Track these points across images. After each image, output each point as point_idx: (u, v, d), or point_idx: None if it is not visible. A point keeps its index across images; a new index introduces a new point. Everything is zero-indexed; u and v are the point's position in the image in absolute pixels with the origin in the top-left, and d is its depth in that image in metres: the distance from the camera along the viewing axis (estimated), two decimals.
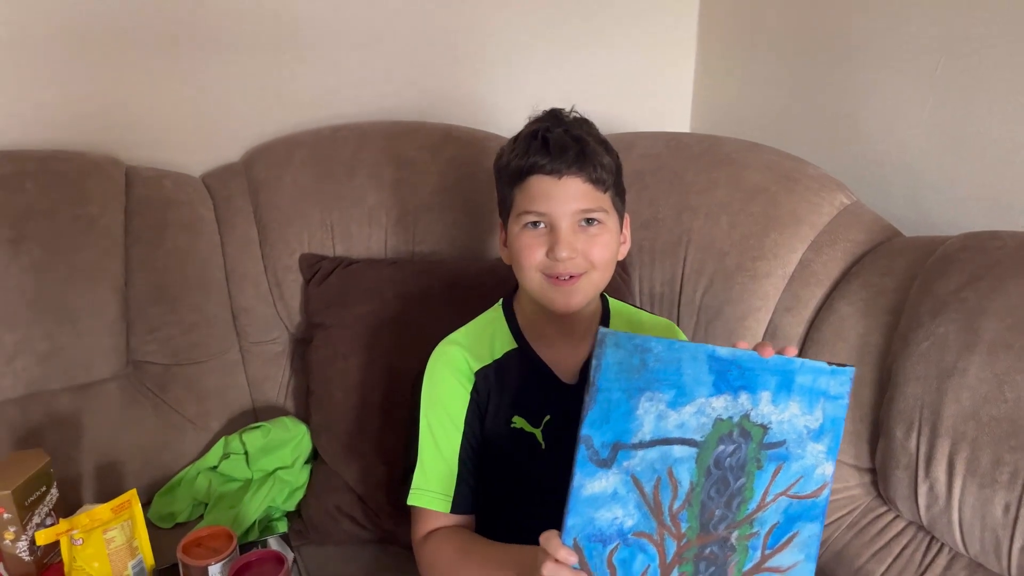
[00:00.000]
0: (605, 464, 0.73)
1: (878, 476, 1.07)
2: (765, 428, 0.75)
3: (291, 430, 1.32)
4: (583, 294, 0.95)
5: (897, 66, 1.35)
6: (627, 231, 1.03)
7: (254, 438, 1.29)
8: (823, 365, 0.75)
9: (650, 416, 0.73)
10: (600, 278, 0.96)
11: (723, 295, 1.21)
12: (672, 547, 0.75)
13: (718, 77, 1.80)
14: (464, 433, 1.00)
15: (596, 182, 0.93)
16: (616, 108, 1.84)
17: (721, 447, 0.74)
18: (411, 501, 0.99)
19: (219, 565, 0.97)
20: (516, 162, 0.94)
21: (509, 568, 0.86)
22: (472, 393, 0.99)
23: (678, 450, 0.74)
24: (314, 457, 1.34)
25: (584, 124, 0.97)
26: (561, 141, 0.92)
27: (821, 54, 1.50)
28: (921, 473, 0.99)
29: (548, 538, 0.74)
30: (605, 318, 1.04)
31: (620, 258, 1.01)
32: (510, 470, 1.01)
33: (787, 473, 0.76)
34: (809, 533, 0.77)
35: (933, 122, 1.30)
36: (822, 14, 1.49)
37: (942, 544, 1.02)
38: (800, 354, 1.14)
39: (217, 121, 1.50)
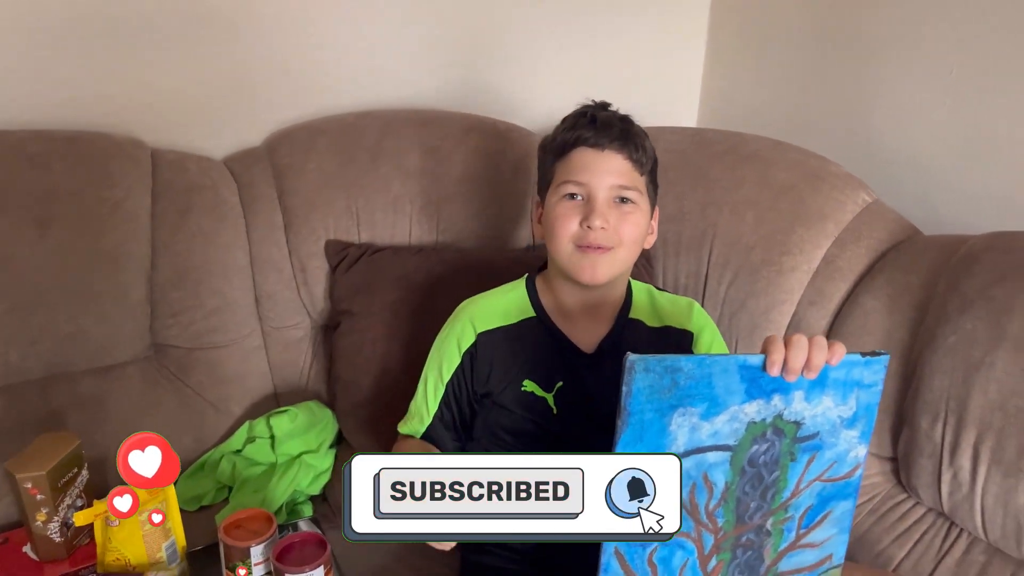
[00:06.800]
0: None
1: (900, 465, 1.10)
2: (798, 424, 0.76)
3: (317, 414, 1.32)
4: (609, 267, 0.98)
5: (913, 66, 1.36)
6: (655, 223, 1.06)
7: (282, 422, 1.28)
8: (856, 357, 0.74)
9: (683, 430, 0.73)
10: (626, 255, 1.00)
11: (747, 288, 1.24)
12: (710, 540, 0.77)
13: (728, 71, 1.79)
14: (446, 391, 1.05)
15: (635, 162, 0.99)
16: (620, 100, 1.82)
17: (755, 447, 0.75)
18: (399, 428, 1.09)
19: (261, 547, 0.97)
20: (562, 135, 1.00)
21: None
22: (465, 356, 1.03)
23: (712, 456, 0.74)
24: (339, 441, 1.35)
25: (628, 117, 1.03)
26: (608, 119, 0.99)
27: (835, 50, 1.50)
28: (945, 461, 1.02)
29: None
30: (627, 305, 1.06)
31: (647, 247, 1.05)
32: (522, 433, 1.03)
33: (821, 461, 0.77)
34: (843, 510, 0.80)
35: (949, 123, 1.31)
36: (837, 9, 1.49)
37: (961, 530, 1.06)
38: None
39: (238, 104, 1.48)
